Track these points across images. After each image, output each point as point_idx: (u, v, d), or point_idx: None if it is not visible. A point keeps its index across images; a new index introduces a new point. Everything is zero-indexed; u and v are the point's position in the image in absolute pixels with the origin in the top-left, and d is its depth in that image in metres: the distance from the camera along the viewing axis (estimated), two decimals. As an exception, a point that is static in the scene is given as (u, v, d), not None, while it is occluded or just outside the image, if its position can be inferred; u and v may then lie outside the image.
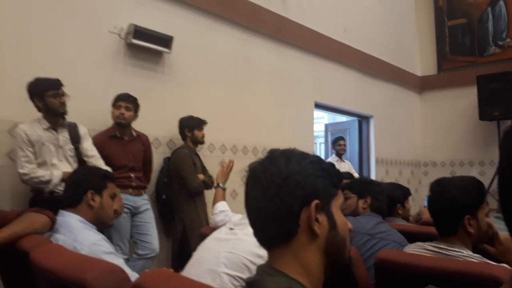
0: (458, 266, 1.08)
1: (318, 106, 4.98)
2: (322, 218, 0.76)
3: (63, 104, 2.39)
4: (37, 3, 2.70)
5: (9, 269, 1.45)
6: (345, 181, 2.50)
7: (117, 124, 2.81)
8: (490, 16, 5.91)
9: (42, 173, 2.30)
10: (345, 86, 5.31)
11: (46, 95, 2.35)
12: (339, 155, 5.07)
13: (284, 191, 0.74)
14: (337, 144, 5.09)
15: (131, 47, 3.16)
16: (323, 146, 7.19)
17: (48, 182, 2.30)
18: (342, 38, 5.18)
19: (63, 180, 2.31)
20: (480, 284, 1.00)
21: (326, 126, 6.68)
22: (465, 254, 1.27)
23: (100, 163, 2.52)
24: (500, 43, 5.84)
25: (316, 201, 0.74)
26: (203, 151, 3.48)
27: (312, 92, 4.81)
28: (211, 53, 3.75)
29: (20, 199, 2.47)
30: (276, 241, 0.76)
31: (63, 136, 2.45)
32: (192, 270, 1.36)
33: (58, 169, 2.37)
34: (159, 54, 3.33)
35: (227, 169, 2.37)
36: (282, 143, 4.14)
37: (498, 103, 5.30)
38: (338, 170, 0.83)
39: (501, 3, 5.79)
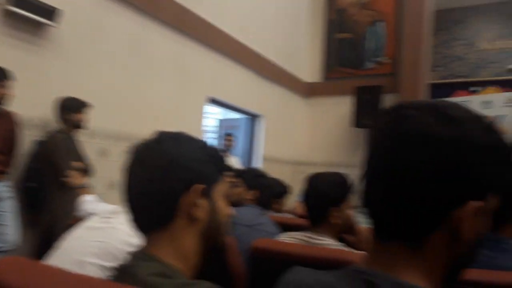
0: (320, 252, 1.18)
1: (213, 101, 5.01)
2: (204, 202, 0.76)
3: None
4: None
5: None
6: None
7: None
8: (371, 35, 6.62)
9: None
10: (240, 84, 5.42)
11: None
12: (227, 150, 5.28)
13: (170, 174, 0.73)
14: (225, 139, 5.37)
15: (8, 14, 2.77)
16: (215, 141, 7.25)
17: None
18: (241, 37, 5.28)
19: None
20: (337, 268, 1.10)
21: (220, 121, 6.76)
22: (328, 242, 1.39)
23: None
24: (376, 59, 6.58)
25: (200, 185, 0.74)
26: (82, 137, 3.22)
27: (207, 86, 4.81)
28: (103, 33, 3.49)
29: None
30: (154, 225, 0.74)
31: None
32: (56, 260, 1.24)
33: None
34: (42, 26, 2.98)
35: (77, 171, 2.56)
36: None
37: (370, 112, 5.97)
38: (223, 157, 0.85)
39: (381, 24, 6.53)
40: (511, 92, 9.71)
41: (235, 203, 2.17)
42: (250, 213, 2.04)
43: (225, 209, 0.81)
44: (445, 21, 10.40)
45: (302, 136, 7.10)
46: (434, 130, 0.52)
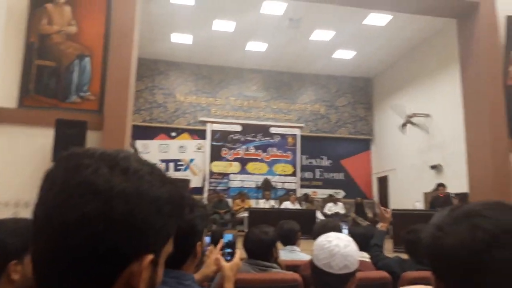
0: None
1: None
2: None
3: None
4: None
5: None
6: None
7: None
8: (77, 68, 6.38)
9: None
10: None
11: None
12: None
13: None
14: None
15: None
16: None
17: None
18: None
19: None
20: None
21: None
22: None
23: None
24: (82, 94, 6.37)
25: None
26: None
27: None
28: None
29: None
30: None
31: None
32: None
33: None
34: None
35: None
36: None
37: (74, 147, 5.66)
38: None
39: (88, 59, 6.42)
40: (200, 140, 11.64)
41: None
42: None
43: None
44: (150, 69, 11.45)
45: (-16, 171, 5.86)
46: (108, 181, 0.49)
